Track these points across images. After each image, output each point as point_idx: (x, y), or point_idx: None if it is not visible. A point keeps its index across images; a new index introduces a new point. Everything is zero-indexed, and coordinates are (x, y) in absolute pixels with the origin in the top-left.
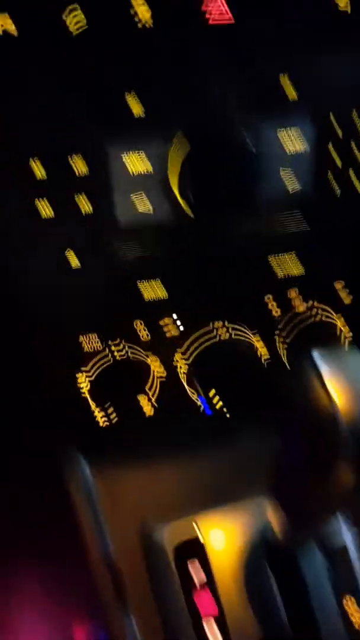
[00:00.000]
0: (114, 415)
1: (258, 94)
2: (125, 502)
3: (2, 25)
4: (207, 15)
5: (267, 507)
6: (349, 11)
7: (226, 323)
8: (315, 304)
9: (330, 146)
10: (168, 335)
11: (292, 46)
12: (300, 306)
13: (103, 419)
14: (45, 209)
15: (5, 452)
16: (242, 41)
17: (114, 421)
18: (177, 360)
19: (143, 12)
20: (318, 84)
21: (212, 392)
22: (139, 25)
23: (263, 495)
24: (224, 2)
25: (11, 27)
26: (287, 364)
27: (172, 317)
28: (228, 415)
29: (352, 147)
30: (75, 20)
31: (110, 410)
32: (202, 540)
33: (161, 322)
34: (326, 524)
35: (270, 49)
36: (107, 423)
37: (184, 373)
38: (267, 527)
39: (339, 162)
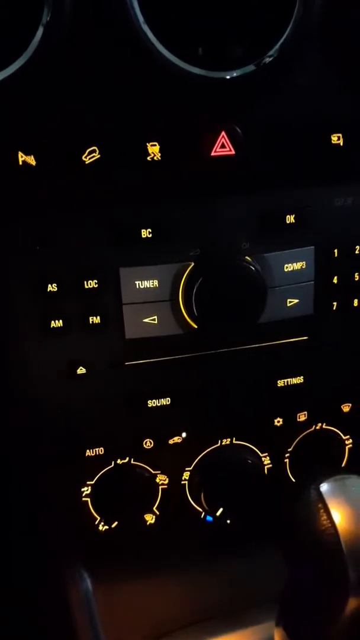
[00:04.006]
0: (116, 524)
1: (261, 224)
2: (125, 618)
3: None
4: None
5: (276, 636)
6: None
7: (234, 440)
8: (324, 426)
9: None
10: (176, 453)
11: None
12: (309, 428)
13: (105, 527)
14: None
15: (9, 560)
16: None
17: (115, 530)
18: (181, 472)
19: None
20: (321, 219)
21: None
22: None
23: (272, 621)
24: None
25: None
26: (291, 477)
27: (181, 435)
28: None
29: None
30: (90, 155)
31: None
32: None
33: (170, 441)
34: None
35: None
36: (108, 531)
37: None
38: None
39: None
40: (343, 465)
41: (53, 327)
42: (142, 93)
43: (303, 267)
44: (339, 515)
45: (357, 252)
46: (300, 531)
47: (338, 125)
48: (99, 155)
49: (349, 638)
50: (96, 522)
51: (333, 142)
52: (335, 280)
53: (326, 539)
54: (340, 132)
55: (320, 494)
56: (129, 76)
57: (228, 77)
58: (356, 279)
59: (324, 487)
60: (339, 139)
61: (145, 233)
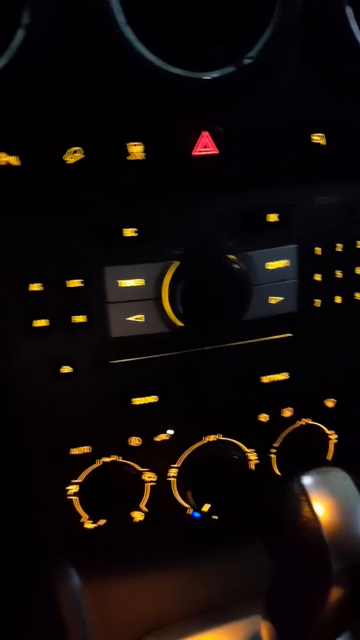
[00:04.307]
0: (104, 522)
1: (245, 223)
2: (114, 615)
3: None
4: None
5: (263, 629)
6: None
7: (220, 437)
8: (309, 421)
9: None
10: (163, 450)
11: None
12: (294, 423)
13: (92, 525)
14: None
15: None
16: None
17: (102, 527)
18: (168, 469)
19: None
20: (304, 218)
21: (206, 506)
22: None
23: (259, 614)
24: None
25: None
26: (277, 472)
27: (167, 433)
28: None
29: (335, 279)
30: (73, 154)
31: (100, 519)
32: None
33: (157, 439)
34: None
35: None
36: (96, 529)
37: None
38: None
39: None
40: (329, 460)
41: (38, 326)
42: (125, 93)
43: (286, 265)
44: (322, 507)
45: (339, 250)
46: (283, 524)
47: (319, 125)
48: (82, 156)
49: (332, 629)
50: (84, 520)
51: (314, 141)
52: (318, 278)
53: (309, 531)
54: (321, 131)
55: (302, 486)
56: (112, 77)
57: (208, 77)
58: (338, 277)
59: (307, 480)
60: (320, 138)
61: (129, 232)
